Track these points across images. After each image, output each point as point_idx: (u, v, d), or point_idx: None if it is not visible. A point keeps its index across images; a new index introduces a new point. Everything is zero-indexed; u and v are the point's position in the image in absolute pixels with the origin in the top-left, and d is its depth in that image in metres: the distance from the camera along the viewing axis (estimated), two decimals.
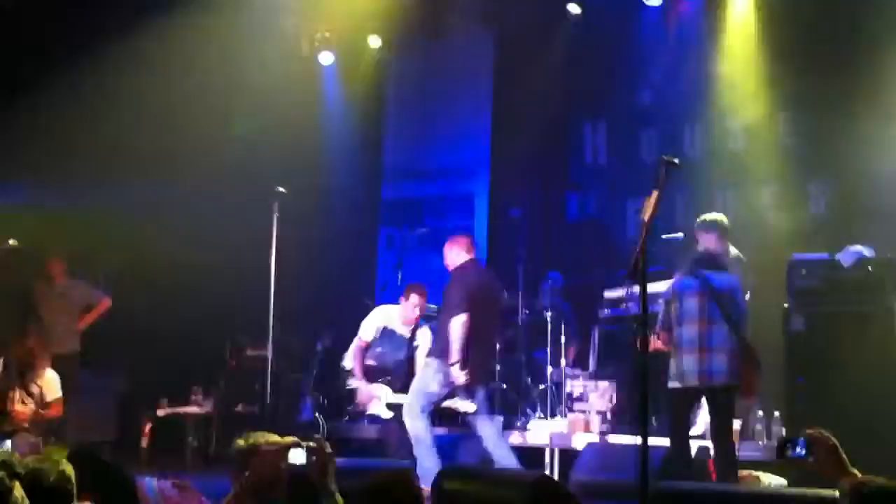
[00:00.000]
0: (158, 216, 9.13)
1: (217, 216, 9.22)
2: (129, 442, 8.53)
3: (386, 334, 8.04)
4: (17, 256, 7.28)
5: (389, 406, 7.79)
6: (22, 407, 7.65)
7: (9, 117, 8.27)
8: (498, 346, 7.85)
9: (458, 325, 6.77)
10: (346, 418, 8.13)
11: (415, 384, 7.11)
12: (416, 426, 6.85)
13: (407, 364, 7.98)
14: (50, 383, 7.81)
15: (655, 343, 6.11)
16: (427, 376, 6.99)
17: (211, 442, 8.53)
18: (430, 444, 6.78)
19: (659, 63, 9.65)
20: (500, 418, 7.41)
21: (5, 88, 8.33)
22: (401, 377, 7.96)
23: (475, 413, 7.02)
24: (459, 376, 6.81)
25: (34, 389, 7.74)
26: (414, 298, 7.88)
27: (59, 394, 7.80)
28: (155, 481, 5.48)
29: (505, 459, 6.77)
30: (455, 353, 6.76)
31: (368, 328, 8.03)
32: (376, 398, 7.90)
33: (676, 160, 4.61)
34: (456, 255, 7.12)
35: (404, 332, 8.05)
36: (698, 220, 6.72)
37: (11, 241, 7.04)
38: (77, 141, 8.65)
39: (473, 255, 7.19)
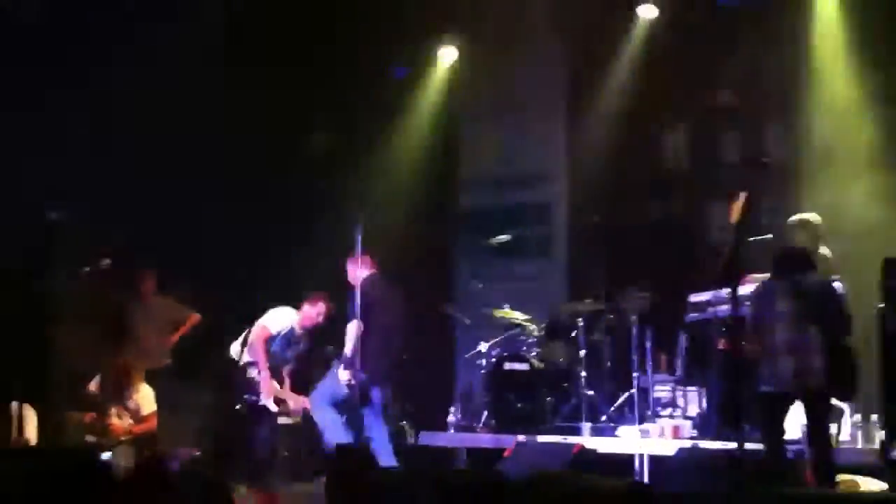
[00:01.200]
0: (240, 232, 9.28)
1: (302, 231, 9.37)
2: (221, 454, 8.65)
3: (285, 332, 8.27)
4: (110, 274, 7.49)
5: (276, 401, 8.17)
6: (119, 421, 7.88)
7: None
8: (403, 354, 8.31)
9: (351, 330, 7.48)
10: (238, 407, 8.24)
11: (322, 382, 7.89)
12: (324, 416, 7.72)
13: (294, 362, 8.51)
14: (145, 397, 8.03)
15: (747, 347, 5.99)
16: (332, 375, 7.78)
17: (301, 452, 8.61)
18: (337, 428, 7.64)
19: (739, 62, 9.50)
20: (388, 427, 7.96)
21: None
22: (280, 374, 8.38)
23: (367, 411, 7.62)
24: (344, 375, 7.58)
25: (130, 404, 7.96)
26: (320, 306, 8.28)
27: (154, 407, 8.00)
28: (245, 490, 5.60)
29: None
30: (347, 353, 7.53)
31: (276, 321, 8.20)
32: (276, 390, 8.16)
33: (766, 160, 4.54)
34: (359, 271, 7.66)
35: (300, 333, 8.36)
36: (788, 220, 6.58)
37: (105, 261, 7.24)
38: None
39: (375, 270, 7.83)
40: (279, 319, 8.25)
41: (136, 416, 7.93)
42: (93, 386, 8.03)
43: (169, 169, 8.74)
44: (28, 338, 7.22)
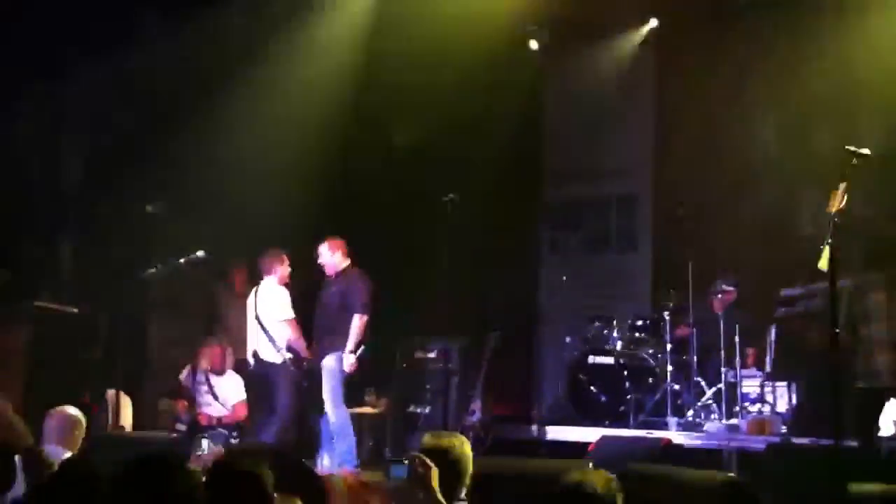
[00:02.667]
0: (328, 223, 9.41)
1: (390, 219, 9.46)
2: (304, 443, 8.81)
3: None
4: (204, 265, 7.68)
5: None
6: (209, 409, 8.08)
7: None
8: None
9: (362, 324, 7.55)
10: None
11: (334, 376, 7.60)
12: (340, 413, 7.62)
13: None
14: (234, 386, 8.21)
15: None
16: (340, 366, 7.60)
17: (386, 441, 8.72)
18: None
19: (828, 50, 9.29)
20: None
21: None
22: None
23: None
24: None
25: (219, 392, 8.15)
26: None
27: (243, 396, 8.18)
28: (341, 477, 5.68)
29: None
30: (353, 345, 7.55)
31: (289, 307, 7.81)
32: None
33: (865, 150, 4.44)
34: (341, 259, 7.70)
35: None
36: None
37: (200, 252, 7.42)
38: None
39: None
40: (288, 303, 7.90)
41: (226, 405, 8.13)
42: (184, 374, 8.25)
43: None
44: (127, 326, 7.43)
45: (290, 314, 7.71)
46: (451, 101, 9.77)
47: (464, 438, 4.16)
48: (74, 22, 8.16)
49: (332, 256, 7.76)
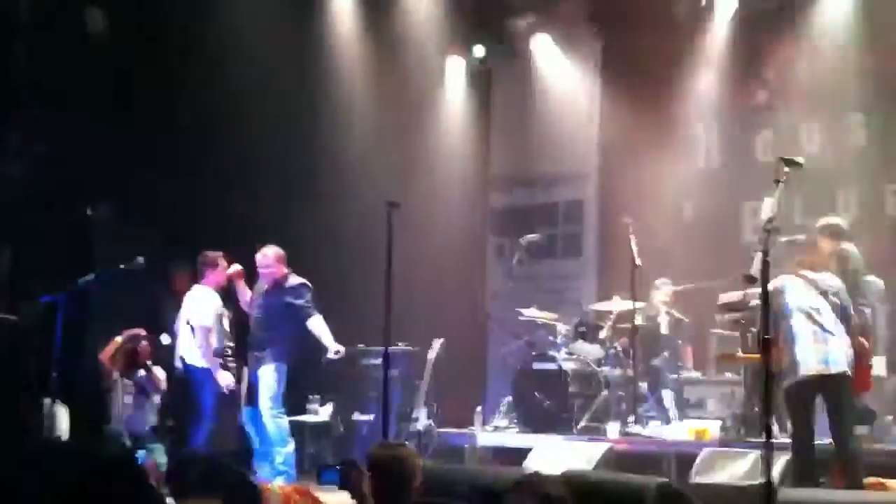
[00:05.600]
0: (270, 225, 9.35)
1: (331, 226, 9.41)
2: (241, 451, 8.72)
3: (220, 320, 7.71)
4: (146, 272, 7.57)
5: None
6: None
7: None
8: None
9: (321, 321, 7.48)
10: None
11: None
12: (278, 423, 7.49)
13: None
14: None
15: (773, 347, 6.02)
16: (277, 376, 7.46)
17: (328, 450, 8.67)
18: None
19: (771, 60, 9.46)
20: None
21: None
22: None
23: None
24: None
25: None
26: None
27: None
28: (276, 486, 5.65)
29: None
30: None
31: (211, 314, 7.57)
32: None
33: (800, 159, 4.53)
34: (280, 267, 7.56)
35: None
36: (820, 223, 6.60)
37: (140, 259, 7.32)
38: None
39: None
40: (209, 313, 7.63)
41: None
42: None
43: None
44: (65, 334, 7.29)
45: (207, 322, 7.48)
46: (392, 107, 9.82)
47: (412, 449, 4.17)
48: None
49: (271, 264, 7.57)
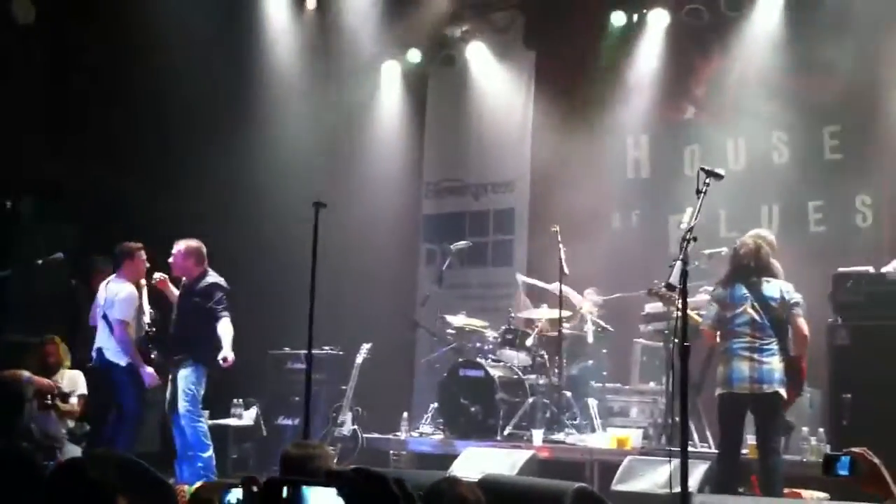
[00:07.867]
0: (199, 224, 9.23)
1: (259, 226, 9.31)
2: (171, 453, 8.58)
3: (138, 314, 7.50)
4: (63, 266, 7.40)
5: None
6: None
7: None
8: None
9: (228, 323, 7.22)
10: None
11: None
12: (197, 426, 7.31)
13: None
14: (72, 381, 7.81)
15: (706, 342, 6.15)
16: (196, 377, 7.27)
17: (251, 454, 8.56)
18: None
19: (700, 76, 9.63)
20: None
21: None
22: None
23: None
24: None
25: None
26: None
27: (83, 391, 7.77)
28: (194, 489, 5.54)
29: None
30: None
31: (127, 307, 7.34)
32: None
33: (720, 171, 4.60)
34: (193, 265, 7.33)
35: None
36: (748, 234, 6.70)
37: (59, 254, 7.16)
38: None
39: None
40: (129, 306, 7.40)
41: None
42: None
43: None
44: None
45: (125, 315, 7.24)
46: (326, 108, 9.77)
47: (326, 449, 4.12)
48: None
49: (183, 261, 7.35)
